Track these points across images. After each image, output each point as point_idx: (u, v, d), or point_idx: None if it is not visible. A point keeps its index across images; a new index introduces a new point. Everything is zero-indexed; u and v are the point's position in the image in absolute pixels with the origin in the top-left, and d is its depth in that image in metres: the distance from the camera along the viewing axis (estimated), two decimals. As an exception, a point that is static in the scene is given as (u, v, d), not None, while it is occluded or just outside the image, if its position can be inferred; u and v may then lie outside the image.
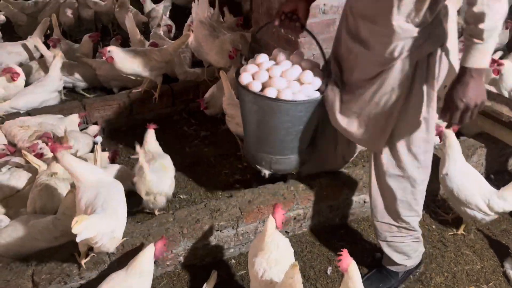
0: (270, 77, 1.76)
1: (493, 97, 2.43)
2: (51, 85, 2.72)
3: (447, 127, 1.93)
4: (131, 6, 4.15)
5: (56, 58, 2.76)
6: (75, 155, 2.20)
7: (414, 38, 1.46)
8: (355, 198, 2.19)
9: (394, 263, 1.84)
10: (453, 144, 2.01)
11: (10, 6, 3.87)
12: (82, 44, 3.25)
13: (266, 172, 1.99)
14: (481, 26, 1.28)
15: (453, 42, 1.55)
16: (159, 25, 3.72)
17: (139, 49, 2.92)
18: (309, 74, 1.77)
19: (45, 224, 1.67)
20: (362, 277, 1.63)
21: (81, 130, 2.54)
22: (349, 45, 1.66)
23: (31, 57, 3.21)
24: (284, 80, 1.75)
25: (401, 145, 1.63)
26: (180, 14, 4.49)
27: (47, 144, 2.14)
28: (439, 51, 1.53)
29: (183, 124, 2.92)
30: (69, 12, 3.88)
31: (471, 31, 1.32)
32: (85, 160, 2.18)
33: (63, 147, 1.57)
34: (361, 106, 1.64)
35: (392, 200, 1.72)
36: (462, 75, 1.36)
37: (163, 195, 1.98)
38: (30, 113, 2.54)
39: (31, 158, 1.94)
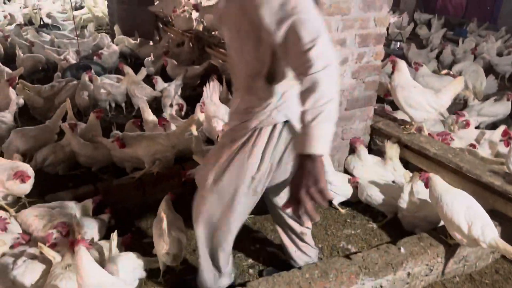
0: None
1: (503, 175, 2.45)
2: None
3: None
4: (142, 82, 4.35)
5: None
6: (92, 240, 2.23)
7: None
8: (371, 284, 2.15)
9: None
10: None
11: (27, 90, 4.06)
12: (89, 123, 3.33)
13: None
14: (303, 107, 1.30)
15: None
16: (171, 105, 3.86)
17: (147, 133, 3.06)
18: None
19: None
20: None
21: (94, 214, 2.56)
22: None
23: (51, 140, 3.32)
24: None
25: None
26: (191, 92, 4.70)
27: (62, 234, 2.16)
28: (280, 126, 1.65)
29: (195, 204, 2.93)
30: (85, 95, 4.07)
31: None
32: (101, 247, 2.20)
33: (84, 243, 1.59)
34: None
35: None
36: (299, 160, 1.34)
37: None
38: (47, 199, 2.58)
39: (46, 250, 1.95)
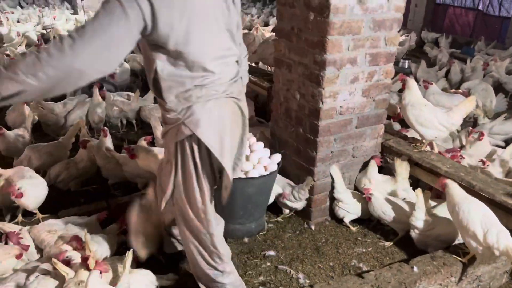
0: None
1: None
2: None
3: None
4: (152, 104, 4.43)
5: None
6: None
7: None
8: (385, 303, 2.13)
9: None
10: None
11: (41, 107, 4.13)
12: (101, 140, 3.35)
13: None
14: None
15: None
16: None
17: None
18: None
19: None
20: None
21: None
22: None
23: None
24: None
25: None
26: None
27: (77, 248, 2.17)
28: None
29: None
30: (99, 112, 4.13)
31: None
32: (114, 263, 2.20)
33: (101, 267, 1.61)
34: None
35: None
36: None
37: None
38: (59, 215, 2.61)
39: (60, 266, 1.96)
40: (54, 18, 9.68)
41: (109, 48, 1.45)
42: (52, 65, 1.39)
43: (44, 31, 8.54)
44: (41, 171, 3.23)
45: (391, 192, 2.89)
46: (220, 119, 1.75)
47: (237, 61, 1.83)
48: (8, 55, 5.80)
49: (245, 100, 1.90)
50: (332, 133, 2.77)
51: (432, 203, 2.75)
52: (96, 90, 4.24)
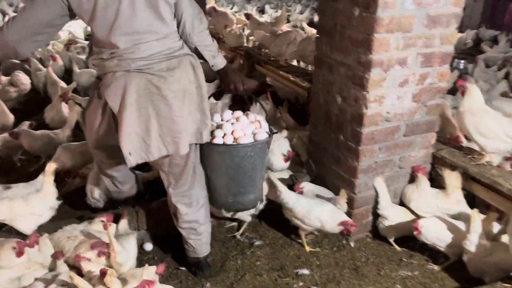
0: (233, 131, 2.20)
1: None
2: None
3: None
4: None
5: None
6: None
7: None
8: None
9: None
10: None
11: (79, 104, 4.06)
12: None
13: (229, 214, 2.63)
14: None
15: None
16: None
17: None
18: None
19: None
20: None
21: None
22: None
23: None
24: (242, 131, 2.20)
25: None
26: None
27: (103, 254, 2.07)
28: None
29: (235, 230, 2.76)
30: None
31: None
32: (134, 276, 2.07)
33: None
34: None
35: None
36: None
37: None
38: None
39: (77, 281, 1.84)
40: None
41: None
42: None
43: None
44: (73, 171, 3.17)
45: (443, 208, 2.57)
46: (122, 89, 1.91)
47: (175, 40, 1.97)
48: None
49: (185, 72, 1.98)
50: (376, 142, 2.50)
51: (497, 225, 2.41)
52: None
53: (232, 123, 2.24)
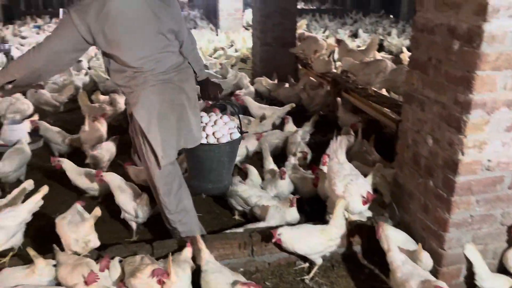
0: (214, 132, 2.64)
1: None
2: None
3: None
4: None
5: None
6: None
7: None
8: None
9: None
10: None
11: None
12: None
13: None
14: None
15: None
16: (294, 154, 3.62)
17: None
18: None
19: None
20: None
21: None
22: None
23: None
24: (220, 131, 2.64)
25: None
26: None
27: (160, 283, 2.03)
28: None
29: (304, 273, 2.57)
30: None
31: None
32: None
33: None
34: None
35: None
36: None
37: None
38: (154, 246, 2.53)
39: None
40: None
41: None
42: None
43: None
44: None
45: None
46: (152, 102, 2.31)
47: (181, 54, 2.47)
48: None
49: (190, 82, 2.50)
50: (473, 193, 2.17)
51: None
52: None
53: (212, 125, 2.66)
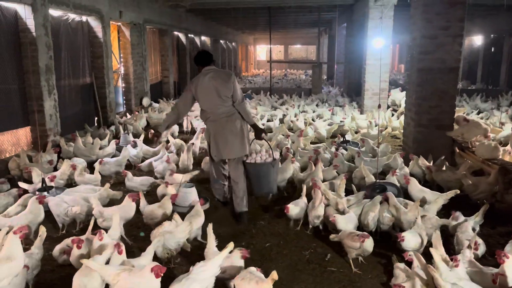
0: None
1: None
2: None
3: None
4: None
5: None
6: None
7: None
8: None
9: None
10: None
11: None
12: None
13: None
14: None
15: None
16: (469, 247, 3.37)
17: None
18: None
19: None
20: None
21: None
22: None
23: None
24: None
25: None
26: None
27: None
28: None
29: None
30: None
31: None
32: None
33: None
34: None
35: None
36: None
37: None
38: None
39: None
40: (344, 119, 10.52)
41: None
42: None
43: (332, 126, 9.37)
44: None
45: None
46: (211, 129, 4.67)
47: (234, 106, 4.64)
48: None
49: (234, 122, 4.60)
50: None
51: None
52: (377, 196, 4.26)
53: (256, 154, 4.93)
